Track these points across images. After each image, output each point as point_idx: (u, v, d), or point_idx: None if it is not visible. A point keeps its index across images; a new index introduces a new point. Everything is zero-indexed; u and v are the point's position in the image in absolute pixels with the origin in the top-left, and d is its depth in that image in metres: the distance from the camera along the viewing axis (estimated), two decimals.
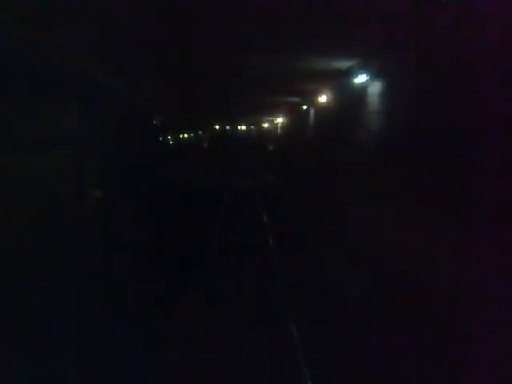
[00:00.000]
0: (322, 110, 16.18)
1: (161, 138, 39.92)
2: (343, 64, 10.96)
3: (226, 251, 12.06)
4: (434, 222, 6.48)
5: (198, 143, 52.67)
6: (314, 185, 17.03)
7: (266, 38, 9.15)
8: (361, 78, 10.39)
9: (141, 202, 15.52)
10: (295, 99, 20.40)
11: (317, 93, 15.55)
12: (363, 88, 10.69)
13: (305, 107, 19.56)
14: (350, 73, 11.14)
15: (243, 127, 52.46)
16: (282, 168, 27.35)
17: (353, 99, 11.61)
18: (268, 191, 22.89)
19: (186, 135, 54.17)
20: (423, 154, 7.15)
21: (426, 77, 7.20)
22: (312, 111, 18.79)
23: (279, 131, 34.45)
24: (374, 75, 9.81)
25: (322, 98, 14.94)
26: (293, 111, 24.21)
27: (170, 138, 46.66)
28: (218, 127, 50.00)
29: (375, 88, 9.93)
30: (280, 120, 32.05)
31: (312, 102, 17.81)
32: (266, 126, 43.13)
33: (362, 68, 10.16)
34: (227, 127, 51.21)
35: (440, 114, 6.67)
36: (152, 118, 28.71)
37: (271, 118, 36.37)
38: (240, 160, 34.80)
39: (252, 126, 51.11)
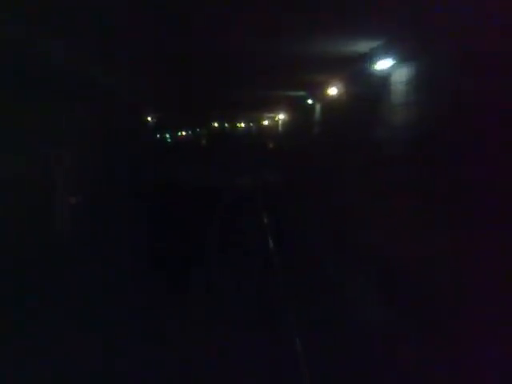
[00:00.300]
0: (330, 105, 14.35)
1: (159, 136, 38.61)
2: (361, 47, 9.14)
3: (224, 262, 10.36)
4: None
5: (196, 141, 51.29)
6: (319, 188, 15.26)
7: (265, 17, 7.43)
8: (384, 64, 8.58)
9: (126, 208, 13.70)
10: (299, 93, 18.60)
11: (325, 85, 13.75)
12: (386, 76, 8.90)
13: (310, 102, 17.72)
14: (369, 58, 9.32)
15: (242, 125, 50.74)
16: (284, 168, 25.55)
17: (371, 89, 9.80)
18: (269, 193, 20.97)
19: (184, 133, 53.00)
20: (482, 156, 5.37)
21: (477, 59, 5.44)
22: (318, 106, 16.98)
23: (280, 129, 32.64)
24: (403, 59, 8.00)
25: (332, 91, 13.12)
26: (296, 107, 22.38)
27: (168, 135, 45.56)
28: (216, 125, 48.51)
29: (402, 75, 8.13)
30: (281, 117, 30.21)
31: (319, 96, 16.00)
32: (266, 123, 41.37)
33: (387, 51, 8.34)
34: (226, 125, 49.59)
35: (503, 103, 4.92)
36: (146, 116, 27.05)
37: (272, 115, 34.60)
38: (239, 159, 33.15)
39: (251, 124, 49.38)
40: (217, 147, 39.74)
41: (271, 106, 26.21)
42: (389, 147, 8.70)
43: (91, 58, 11.23)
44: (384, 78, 8.97)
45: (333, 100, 13.56)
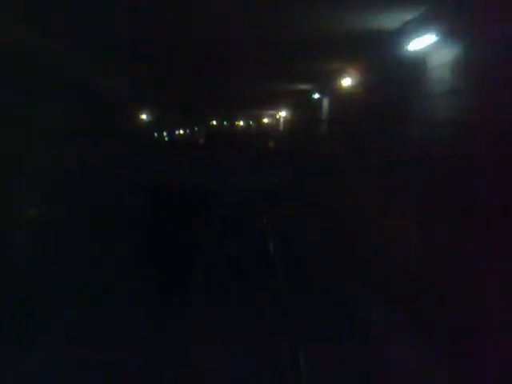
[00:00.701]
0: (342, 98, 12.37)
1: (156, 135, 37.11)
2: (391, 21, 7.20)
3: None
4: None
5: (193, 140, 49.69)
6: (329, 193, 13.36)
7: None
8: (421, 42, 6.64)
9: (99, 221, 11.71)
10: (304, 87, 16.68)
11: (337, 75, 11.82)
12: (422, 58, 6.95)
13: (316, 96, 15.76)
14: (400, 35, 7.38)
15: (241, 123, 48.93)
16: (285, 169, 23.64)
17: (400, 77, 7.86)
18: (270, 201, 18.88)
19: (182, 131, 51.53)
20: None
21: None
22: (326, 101, 15.03)
23: (282, 127, 30.72)
24: (450, 34, 6.06)
25: (346, 81, 11.16)
26: (300, 102, 20.43)
27: (165, 134, 44.26)
28: (215, 123, 46.93)
29: (448, 56, 6.20)
30: (283, 114, 28.28)
31: (328, 89, 14.06)
32: (266, 121, 39.52)
33: (428, 24, 6.39)
34: (224, 123, 47.87)
35: None
36: (140, 113, 25.23)
37: (273, 112, 32.74)
38: (238, 159, 31.39)
39: (251, 122, 47.56)
40: (214, 146, 38.06)
41: (272, 102, 24.63)
42: (426, 147, 6.77)
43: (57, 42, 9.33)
44: (420, 61, 7.03)
45: (346, 93, 11.59)
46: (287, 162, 24.13)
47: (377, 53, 8.73)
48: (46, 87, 10.48)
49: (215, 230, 13.43)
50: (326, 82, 13.53)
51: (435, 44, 6.45)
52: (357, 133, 10.61)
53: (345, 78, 11.08)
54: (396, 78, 8.05)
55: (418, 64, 7.12)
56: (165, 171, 22.61)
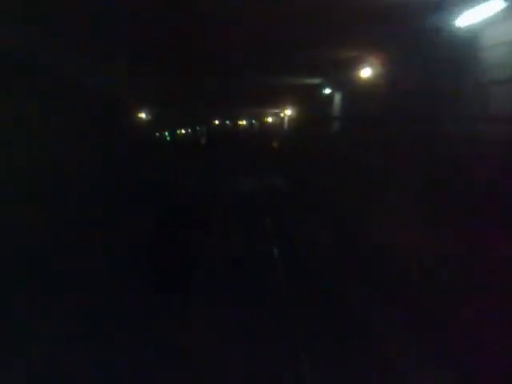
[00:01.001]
0: (359, 93, 10.81)
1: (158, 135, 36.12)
2: None
3: None
4: None
5: (195, 139, 48.55)
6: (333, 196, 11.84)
7: None
8: (476, 14, 5.12)
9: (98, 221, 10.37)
10: (312, 81, 15.14)
11: (353, 65, 10.26)
12: (475, 34, 5.43)
13: (327, 91, 14.19)
14: (444, 7, 5.83)
15: (244, 122, 47.63)
16: (289, 172, 22.15)
17: (442, 61, 6.31)
18: (272, 203, 17.30)
19: (183, 131, 50.55)
20: None
21: None
22: (338, 96, 13.48)
23: (286, 126, 29.21)
24: None
25: (365, 72, 9.61)
26: (306, 99, 18.89)
27: (167, 134, 43.35)
28: (217, 122, 45.82)
29: None
30: (288, 112, 26.74)
31: (340, 82, 12.52)
32: (270, 120, 38.10)
33: None
34: (227, 122, 46.65)
35: None
36: (137, 111, 23.96)
37: (277, 111, 31.30)
38: (240, 159, 30.05)
39: (254, 121, 46.19)
40: (216, 146, 36.77)
41: (276, 100, 23.27)
42: (481, 151, 5.25)
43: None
44: (472, 40, 5.50)
45: (365, 86, 10.02)
46: (292, 163, 22.64)
47: (410, 33, 7.14)
48: (42, 86, 9.34)
49: (214, 230, 12.22)
50: (339, 75, 11.98)
51: (498, 14, 4.92)
52: (378, 133, 9.06)
53: (364, 68, 9.52)
54: (436, 65, 6.50)
55: (468, 44, 5.59)
56: (165, 171, 21.37)
